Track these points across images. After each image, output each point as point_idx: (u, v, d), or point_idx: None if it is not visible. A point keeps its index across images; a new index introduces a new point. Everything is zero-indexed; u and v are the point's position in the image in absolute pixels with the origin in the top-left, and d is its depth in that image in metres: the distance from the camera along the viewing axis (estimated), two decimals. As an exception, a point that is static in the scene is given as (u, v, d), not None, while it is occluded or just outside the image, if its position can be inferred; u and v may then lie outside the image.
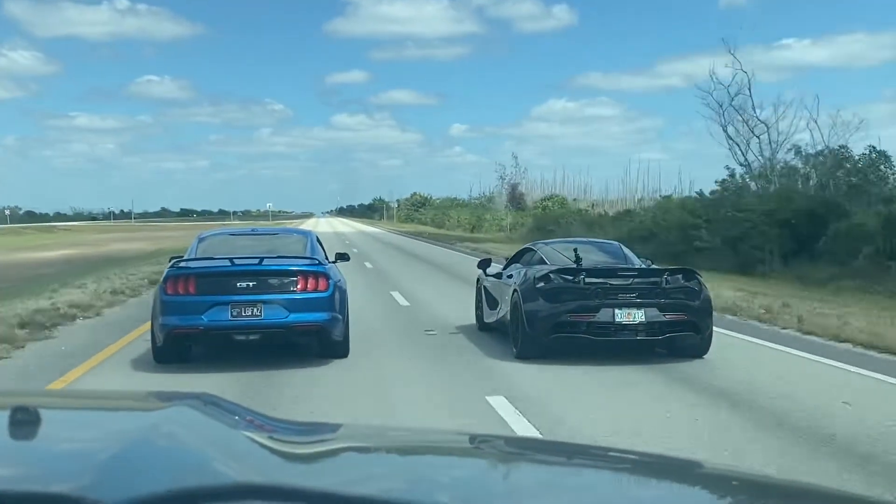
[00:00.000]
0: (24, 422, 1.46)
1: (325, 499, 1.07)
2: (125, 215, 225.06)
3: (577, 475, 1.49)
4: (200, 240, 10.49)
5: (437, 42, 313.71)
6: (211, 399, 1.67)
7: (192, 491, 1.04)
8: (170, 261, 9.82)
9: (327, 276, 9.24)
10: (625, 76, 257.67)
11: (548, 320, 9.07)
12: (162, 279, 9.37)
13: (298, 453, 1.46)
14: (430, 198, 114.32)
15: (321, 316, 9.05)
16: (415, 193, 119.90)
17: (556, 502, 1.24)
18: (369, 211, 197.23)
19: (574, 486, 1.41)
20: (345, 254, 11.40)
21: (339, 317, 9.32)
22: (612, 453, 1.90)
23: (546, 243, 11.92)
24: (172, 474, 1.11)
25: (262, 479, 1.15)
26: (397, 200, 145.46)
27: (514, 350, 9.46)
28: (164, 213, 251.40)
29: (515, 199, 70.59)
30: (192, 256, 9.82)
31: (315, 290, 9.07)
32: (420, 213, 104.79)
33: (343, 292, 9.63)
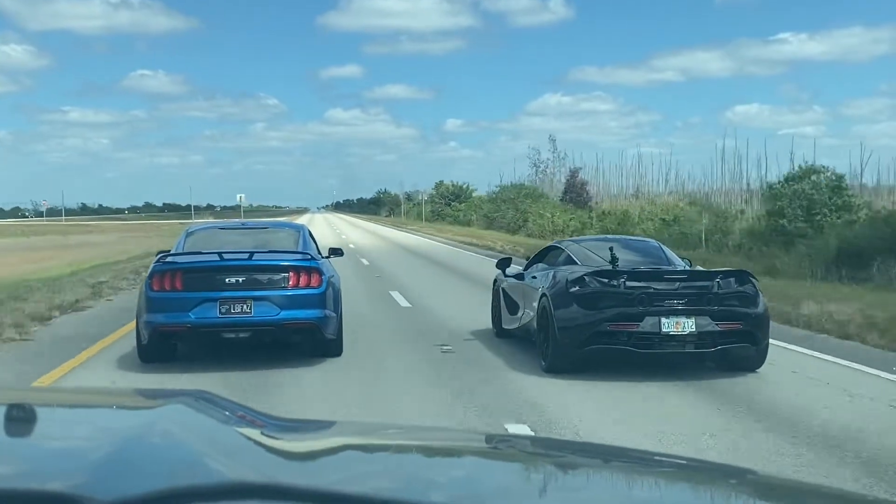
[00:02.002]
0: (19, 419, 1.47)
1: (320, 497, 1.09)
2: (103, 210, 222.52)
3: (575, 473, 1.50)
4: (189, 234, 10.32)
5: (432, 36, 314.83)
6: (206, 396, 1.67)
7: (187, 489, 1.05)
8: (157, 255, 9.61)
9: (320, 272, 9.13)
10: (620, 70, 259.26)
11: (583, 330, 8.27)
12: (148, 274, 9.21)
13: (294, 451, 1.47)
14: (468, 187, 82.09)
15: (314, 313, 8.93)
16: (441, 182, 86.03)
17: (554, 501, 1.26)
18: (372, 206, 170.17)
19: (571, 484, 1.42)
20: (339, 249, 11.18)
21: (333, 314, 9.22)
22: (611, 451, 1.90)
23: (575, 241, 11.11)
24: (167, 472, 1.13)
25: (257, 478, 1.17)
26: (407, 193, 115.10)
27: (543, 363, 8.69)
28: (147, 209, 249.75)
29: (575, 191, 53.38)
30: (180, 251, 9.59)
31: (307, 287, 8.96)
32: (452, 208, 76.14)
33: (337, 288, 9.55)
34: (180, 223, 79.07)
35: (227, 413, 1.61)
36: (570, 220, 43.49)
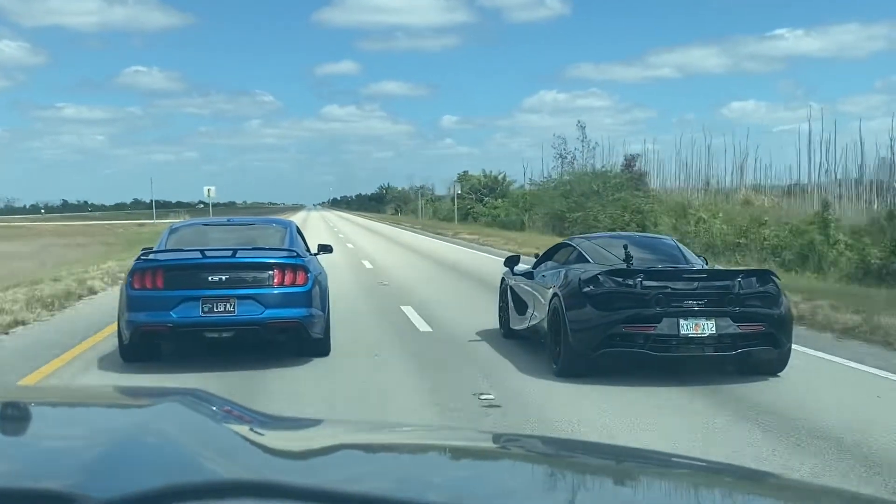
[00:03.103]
0: (12, 418, 1.47)
1: (316, 496, 1.09)
2: (84, 207, 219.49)
3: (578, 473, 1.49)
4: (172, 231, 10.17)
5: (428, 32, 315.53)
6: (202, 395, 1.68)
7: (182, 487, 1.05)
8: (141, 251, 9.49)
9: (306, 270, 9.01)
10: (616, 67, 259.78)
11: (597, 332, 7.96)
12: (128, 273, 9.11)
13: (290, 450, 1.48)
14: (504, 178, 65.61)
15: (299, 312, 8.81)
16: (466, 173, 69.27)
17: (550, 500, 1.26)
18: (374, 202, 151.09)
19: (570, 483, 1.42)
20: (328, 245, 11.00)
21: (319, 313, 9.13)
22: (609, 450, 1.87)
23: (586, 238, 10.70)
24: (162, 471, 1.13)
25: (252, 476, 1.17)
26: (419, 188, 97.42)
27: (554, 366, 8.41)
28: (135, 205, 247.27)
29: (632, 183, 43.03)
30: (162, 248, 9.46)
31: (293, 285, 8.84)
32: (487, 205, 60.23)
33: (324, 287, 9.45)
34: (139, 223, 65.22)
35: (221, 411, 1.61)
36: (762, 228, 22.74)
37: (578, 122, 62.23)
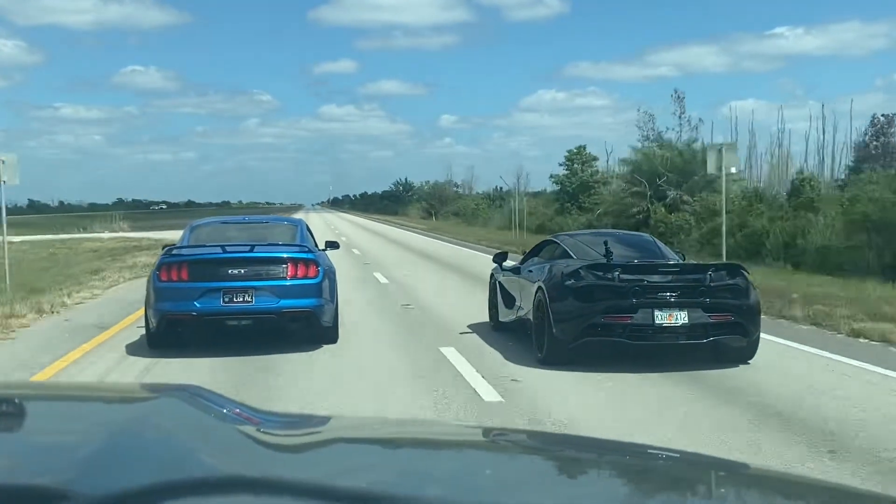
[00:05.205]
0: (9, 414, 1.46)
1: (314, 491, 1.06)
2: (50, 209, 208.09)
3: (571, 467, 1.48)
4: (193, 228, 10.84)
5: (426, 31, 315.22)
6: (197, 391, 1.65)
7: (178, 483, 1.03)
8: (163, 248, 10.22)
9: (317, 263, 9.59)
10: (615, 66, 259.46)
11: (579, 322, 8.38)
12: (155, 266, 9.71)
13: (287, 445, 1.45)
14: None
15: (311, 302, 9.40)
16: (581, 149, 48.45)
17: (548, 494, 1.23)
18: (387, 202, 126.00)
19: (567, 478, 1.41)
20: (335, 242, 11.93)
21: (329, 303, 9.68)
22: (608, 445, 1.88)
23: (570, 235, 11.16)
24: (158, 467, 1.10)
25: (249, 472, 1.14)
26: (455, 184, 72.66)
27: (539, 355, 8.77)
28: (117, 206, 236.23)
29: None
30: (185, 244, 10.17)
31: (305, 277, 9.42)
32: (688, 208, 28.89)
33: (332, 279, 9.96)
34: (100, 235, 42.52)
35: (218, 408, 1.58)
36: None
37: (675, 91, 40.96)
